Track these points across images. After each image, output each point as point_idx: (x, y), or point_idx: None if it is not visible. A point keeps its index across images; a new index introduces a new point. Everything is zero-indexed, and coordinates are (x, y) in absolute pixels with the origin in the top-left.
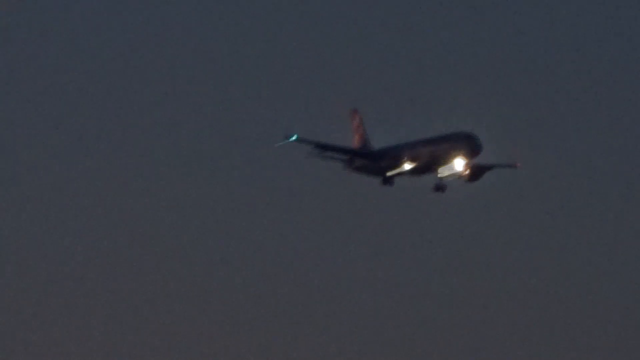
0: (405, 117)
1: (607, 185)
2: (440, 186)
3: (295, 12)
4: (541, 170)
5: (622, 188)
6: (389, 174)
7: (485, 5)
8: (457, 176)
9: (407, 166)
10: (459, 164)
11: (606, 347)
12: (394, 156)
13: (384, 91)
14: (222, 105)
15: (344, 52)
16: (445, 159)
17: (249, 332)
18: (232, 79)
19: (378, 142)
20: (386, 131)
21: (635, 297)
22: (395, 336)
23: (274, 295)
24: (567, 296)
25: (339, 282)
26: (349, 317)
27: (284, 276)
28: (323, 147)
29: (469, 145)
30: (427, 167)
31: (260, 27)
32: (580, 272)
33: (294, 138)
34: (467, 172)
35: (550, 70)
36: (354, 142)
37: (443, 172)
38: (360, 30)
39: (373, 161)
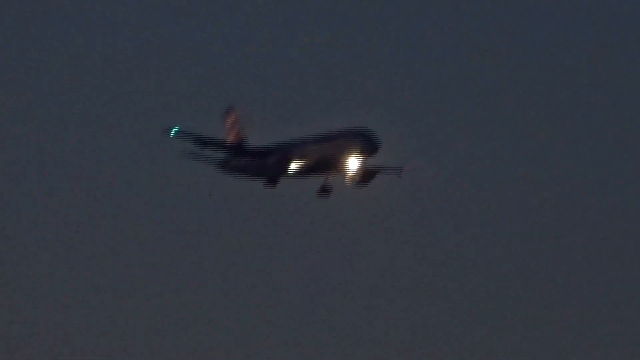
0: (289, 116)
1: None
2: (326, 188)
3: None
4: (433, 174)
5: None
6: (274, 174)
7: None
8: (348, 178)
9: (297, 165)
10: (353, 163)
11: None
12: (283, 154)
13: (267, 88)
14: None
15: (228, 47)
16: (338, 157)
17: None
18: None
19: (261, 142)
20: (271, 130)
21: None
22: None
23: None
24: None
25: (219, 286)
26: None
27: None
28: (205, 143)
29: (366, 142)
30: (318, 166)
31: (135, 21)
32: (465, 273)
33: (175, 130)
34: (358, 174)
35: (452, 69)
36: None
37: (334, 172)
38: (246, 23)
39: (259, 159)
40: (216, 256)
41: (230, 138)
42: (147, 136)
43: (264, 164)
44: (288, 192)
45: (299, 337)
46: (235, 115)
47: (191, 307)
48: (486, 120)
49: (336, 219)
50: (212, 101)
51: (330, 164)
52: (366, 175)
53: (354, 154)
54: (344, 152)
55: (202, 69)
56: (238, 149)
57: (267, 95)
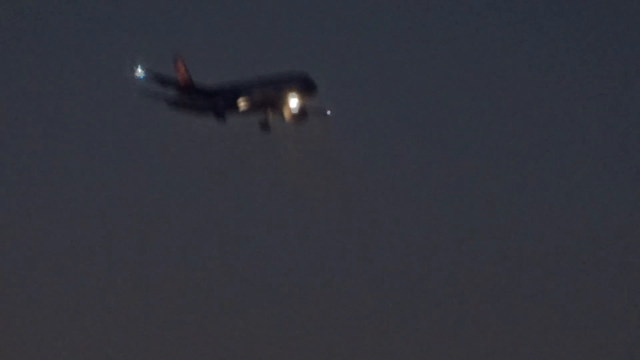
0: (233, 60)
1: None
2: (266, 124)
3: None
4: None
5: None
6: (223, 111)
7: None
8: (287, 116)
9: (244, 103)
10: (293, 103)
11: None
12: (231, 93)
13: (212, 33)
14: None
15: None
16: (280, 98)
17: None
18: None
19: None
20: (216, 73)
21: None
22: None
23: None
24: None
25: (165, 220)
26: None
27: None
28: (166, 82)
29: (305, 84)
30: (262, 104)
31: None
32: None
33: (142, 70)
34: (297, 112)
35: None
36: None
37: (275, 110)
38: None
39: (209, 98)
40: (172, 184)
41: (180, 81)
42: (106, 78)
43: (213, 102)
44: (235, 125)
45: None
46: (182, 62)
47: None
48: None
49: (278, 151)
50: (164, 50)
51: (273, 103)
52: (301, 114)
53: (294, 95)
54: (286, 93)
55: (153, 19)
56: (191, 88)
57: (212, 42)
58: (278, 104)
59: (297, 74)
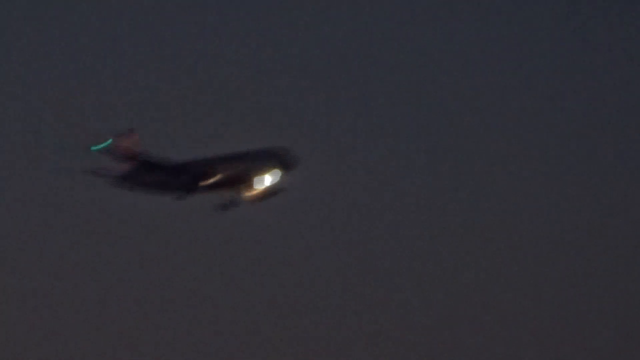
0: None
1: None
2: (231, 203)
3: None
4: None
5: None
6: (189, 188)
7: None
8: (252, 194)
9: (213, 180)
10: (268, 180)
11: None
12: (201, 170)
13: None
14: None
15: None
16: (255, 174)
17: None
18: None
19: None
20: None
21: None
22: None
23: None
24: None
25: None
26: None
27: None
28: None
29: (285, 160)
30: (230, 182)
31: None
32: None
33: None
34: (264, 190)
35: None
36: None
37: (244, 188)
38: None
39: (170, 175)
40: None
41: (132, 155)
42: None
43: (175, 179)
44: (193, 205)
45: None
46: (134, 137)
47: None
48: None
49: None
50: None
51: (244, 180)
52: (271, 191)
53: (273, 171)
54: (262, 170)
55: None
56: (153, 164)
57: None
58: (248, 180)
59: (277, 148)
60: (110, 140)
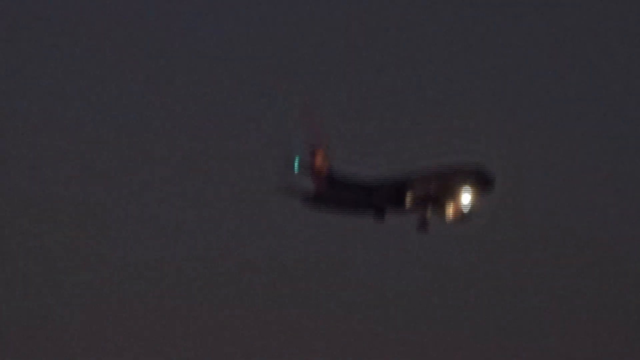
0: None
1: None
2: (425, 222)
3: None
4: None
5: None
6: (383, 207)
7: None
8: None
9: (410, 198)
10: (465, 199)
11: None
12: (398, 187)
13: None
14: None
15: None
16: (450, 193)
17: None
18: None
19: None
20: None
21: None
22: None
23: None
24: None
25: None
26: None
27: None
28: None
29: (482, 178)
30: (425, 200)
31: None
32: None
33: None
34: (465, 210)
35: None
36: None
37: (441, 207)
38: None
39: (361, 193)
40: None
41: (319, 174)
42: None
43: (367, 197)
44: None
45: None
46: (322, 153)
47: None
48: None
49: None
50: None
51: (438, 199)
52: (470, 212)
53: (468, 190)
54: (459, 187)
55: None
56: (343, 182)
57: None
58: (444, 200)
59: (472, 165)
60: (297, 157)
